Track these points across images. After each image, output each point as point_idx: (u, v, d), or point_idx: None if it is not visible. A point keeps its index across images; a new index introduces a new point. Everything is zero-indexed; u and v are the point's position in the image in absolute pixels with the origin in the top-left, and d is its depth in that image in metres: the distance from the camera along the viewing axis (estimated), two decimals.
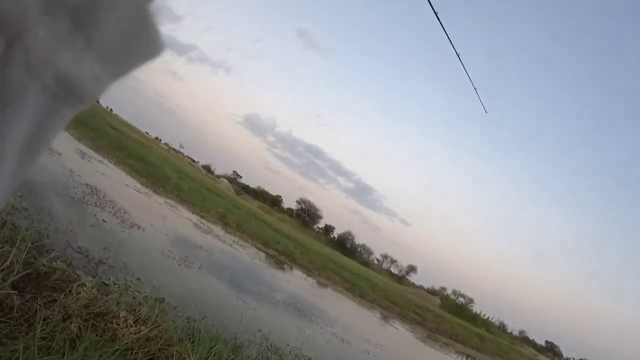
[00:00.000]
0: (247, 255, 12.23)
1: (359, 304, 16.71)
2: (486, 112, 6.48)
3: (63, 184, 7.27)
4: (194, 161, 56.36)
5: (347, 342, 8.51)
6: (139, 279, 4.79)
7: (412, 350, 13.52)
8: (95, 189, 8.25)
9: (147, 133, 47.22)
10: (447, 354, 16.27)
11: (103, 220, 6.59)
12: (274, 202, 60.84)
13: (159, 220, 9.51)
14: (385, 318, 16.91)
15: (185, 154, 59.16)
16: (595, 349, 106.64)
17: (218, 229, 13.63)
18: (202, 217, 14.03)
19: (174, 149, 56.43)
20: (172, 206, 12.89)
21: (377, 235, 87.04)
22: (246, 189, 59.96)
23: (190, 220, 12.39)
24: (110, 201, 8.05)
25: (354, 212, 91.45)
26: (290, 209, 60.56)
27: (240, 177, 67.99)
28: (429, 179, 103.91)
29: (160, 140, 57.14)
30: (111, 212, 7.41)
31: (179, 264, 6.87)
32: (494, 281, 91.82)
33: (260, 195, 60.03)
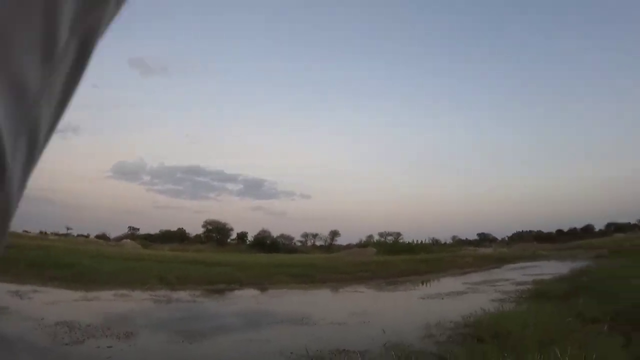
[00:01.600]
0: (211, 301, 12.78)
1: (317, 288, 16.77)
2: None
3: None
4: (86, 236, 51.27)
5: (342, 324, 8.15)
6: None
7: (386, 304, 13.60)
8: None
9: (26, 231, 41.08)
10: (412, 289, 17.01)
11: None
12: (182, 237, 58.18)
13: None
14: (342, 289, 16.92)
15: (76, 234, 53.61)
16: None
17: (169, 293, 13.38)
18: (146, 290, 13.62)
19: (63, 235, 50.72)
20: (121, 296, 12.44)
21: (287, 219, 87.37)
22: (151, 238, 56.26)
23: (141, 299, 12.04)
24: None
25: (255, 209, 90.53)
26: (199, 236, 58.51)
27: (138, 229, 63.64)
28: (307, 144, 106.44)
29: (46, 232, 50.42)
30: None
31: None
32: (409, 205, 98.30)
33: (166, 238, 56.83)
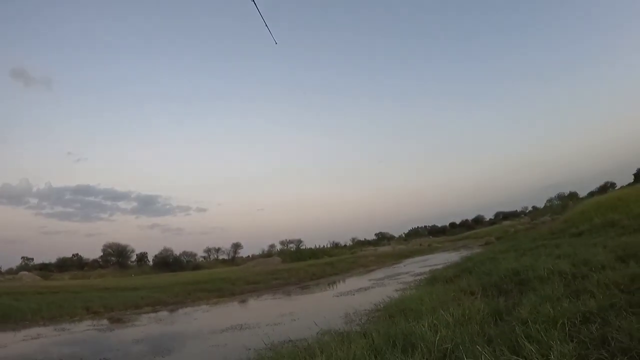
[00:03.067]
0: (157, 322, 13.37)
1: (238, 299, 17.93)
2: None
3: None
4: None
5: (278, 324, 9.51)
6: None
7: (306, 304, 15.16)
8: None
9: None
10: (325, 290, 18.87)
11: None
12: (80, 263, 54.48)
13: None
14: (261, 297, 18.21)
15: None
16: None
17: (97, 323, 13.74)
18: (81, 321, 13.92)
19: None
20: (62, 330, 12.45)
21: (185, 235, 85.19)
22: (47, 268, 51.69)
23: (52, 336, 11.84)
24: None
25: (152, 227, 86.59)
26: (96, 260, 55.13)
27: (32, 259, 57.82)
28: (199, 156, 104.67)
29: None
30: None
31: None
32: (307, 212, 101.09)
33: (63, 266, 52.72)
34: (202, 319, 13.42)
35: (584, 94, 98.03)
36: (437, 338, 4.31)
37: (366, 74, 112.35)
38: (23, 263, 56.80)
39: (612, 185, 65.51)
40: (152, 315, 14.69)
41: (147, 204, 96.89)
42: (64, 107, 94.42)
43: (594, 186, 67.08)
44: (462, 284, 9.19)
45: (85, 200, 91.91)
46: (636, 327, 3.43)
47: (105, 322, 13.72)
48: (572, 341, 3.54)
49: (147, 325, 12.49)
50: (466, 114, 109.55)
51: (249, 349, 6.88)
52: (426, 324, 5.05)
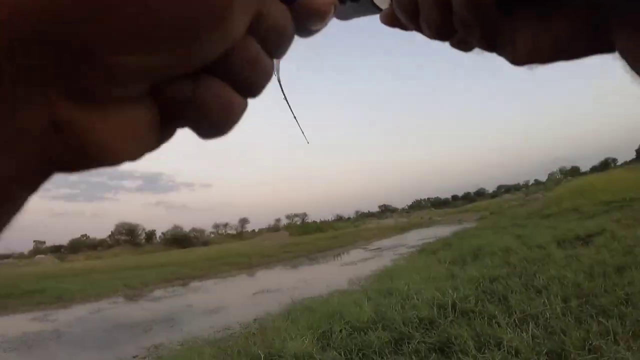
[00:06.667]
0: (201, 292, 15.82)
1: (257, 271, 21.03)
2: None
3: None
4: None
5: (295, 288, 12.51)
6: None
7: (317, 273, 18.17)
8: None
9: None
10: (331, 261, 21.93)
11: None
12: (93, 244, 57.73)
13: None
14: (276, 269, 21.34)
15: None
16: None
17: (142, 296, 15.75)
18: (116, 298, 15.54)
19: None
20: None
21: (190, 211, 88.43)
22: (59, 249, 54.97)
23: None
24: None
25: (157, 204, 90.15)
26: (104, 240, 58.45)
27: (44, 242, 61.18)
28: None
29: None
30: None
31: None
32: (312, 186, 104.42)
33: (75, 247, 55.93)
34: (231, 287, 16.32)
35: (592, 64, 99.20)
36: (407, 289, 7.24)
37: (375, 43, 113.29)
38: (36, 247, 59.96)
39: (614, 161, 68.13)
40: (186, 287, 17.25)
41: (151, 182, 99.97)
42: None
43: (597, 160, 69.63)
44: (440, 256, 12.13)
45: (90, 181, 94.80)
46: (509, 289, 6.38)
47: (148, 294, 16.03)
48: (476, 289, 6.45)
49: (187, 295, 15.03)
50: (473, 85, 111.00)
51: (280, 303, 9.30)
52: (402, 282, 8.02)
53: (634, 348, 3.24)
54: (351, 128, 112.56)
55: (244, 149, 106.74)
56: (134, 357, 7.11)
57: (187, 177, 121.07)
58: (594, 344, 3.38)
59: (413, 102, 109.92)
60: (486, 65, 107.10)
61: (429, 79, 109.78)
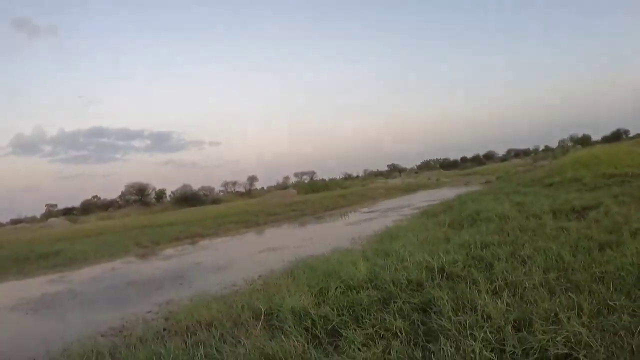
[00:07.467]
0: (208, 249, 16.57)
1: (264, 229, 21.67)
2: None
3: None
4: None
5: (300, 246, 12.98)
6: None
7: (322, 232, 18.71)
8: None
9: None
10: (337, 220, 22.45)
11: None
12: (104, 205, 59.15)
13: None
14: (283, 227, 21.92)
15: None
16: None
17: (153, 255, 16.42)
18: (129, 257, 16.12)
19: None
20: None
21: (200, 170, 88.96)
22: (71, 211, 56.31)
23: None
24: None
25: (166, 163, 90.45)
26: (115, 201, 59.62)
27: (56, 205, 62.69)
28: (209, 90, 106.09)
29: None
30: None
31: None
32: (321, 143, 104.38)
33: (87, 209, 57.37)
34: (239, 245, 16.89)
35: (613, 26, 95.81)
36: (402, 251, 7.59)
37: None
38: (47, 210, 61.16)
39: (626, 132, 67.09)
40: (195, 245, 17.74)
41: (161, 141, 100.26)
42: (71, 52, 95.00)
43: (609, 130, 68.51)
44: (440, 219, 12.45)
45: (99, 142, 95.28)
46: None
47: (159, 253, 16.54)
48: (466, 255, 6.79)
49: (195, 253, 15.53)
50: (486, 45, 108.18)
51: (284, 261, 9.56)
52: (399, 244, 8.39)
53: (592, 324, 3.54)
54: (360, 87, 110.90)
55: (254, 106, 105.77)
56: (147, 312, 7.54)
57: (196, 135, 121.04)
58: (558, 316, 3.70)
59: (423, 59, 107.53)
60: (502, 26, 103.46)
61: (441, 38, 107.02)
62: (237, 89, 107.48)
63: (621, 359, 2.97)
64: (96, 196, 64.52)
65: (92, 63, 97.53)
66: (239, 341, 4.33)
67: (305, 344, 3.96)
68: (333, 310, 4.76)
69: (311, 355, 3.76)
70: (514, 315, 3.83)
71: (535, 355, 3.18)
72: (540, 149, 78.87)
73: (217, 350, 4.19)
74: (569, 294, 4.21)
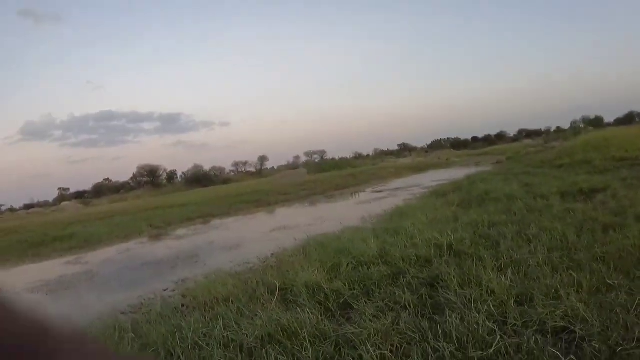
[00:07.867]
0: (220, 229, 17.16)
1: (275, 209, 21.98)
2: None
3: None
4: (14, 210, 49.80)
5: (313, 224, 13.26)
6: None
7: (333, 211, 18.95)
8: None
9: None
10: (347, 199, 22.65)
11: None
12: (116, 188, 59.88)
13: None
14: (294, 206, 22.19)
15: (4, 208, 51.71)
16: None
17: (167, 235, 16.56)
18: (142, 238, 16.29)
19: None
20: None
21: (210, 151, 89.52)
22: (83, 195, 57.14)
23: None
24: None
25: (176, 145, 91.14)
26: (127, 183, 60.30)
27: (68, 189, 63.64)
28: (218, 71, 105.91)
29: None
30: None
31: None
32: (331, 123, 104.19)
33: (99, 192, 58.16)
34: (251, 224, 17.00)
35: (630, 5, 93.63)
36: (412, 229, 7.81)
37: None
38: (60, 194, 62.00)
39: (639, 115, 66.14)
40: (207, 225, 17.93)
41: (170, 123, 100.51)
42: (77, 38, 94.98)
43: (622, 112, 67.66)
44: (449, 199, 12.63)
45: (108, 126, 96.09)
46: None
47: (172, 233, 16.68)
48: (474, 233, 6.98)
49: (209, 233, 15.65)
50: (502, 26, 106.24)
51: (296, 239, 9.74)
52: (409, 222, 8.60)
53: (590, 301, 3.72)
54: (372, 66, 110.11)
55: (263, 87, 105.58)
56: (164, 290, 7.77)
57: (206, 116, 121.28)
58: (559, 292, 3.91)
59: (434, 39, 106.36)
60: (516, 7, 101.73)
61: (456, 16, 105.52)
62: (247, 69, 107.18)
63: (615, 334, 3.13)
64: (108, 179, 65.40)
65: (100, 48, 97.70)
66: (256, 314, 4.55)
67: (319, 316, 4.20)
68: (345, 285, 5.00)
69: (325, 325, 4.00)
70: (517, 291, 4.05)
71: (535, 328, 3.39)
72: (552, 130, 78.06)
73: (235, 323, 4.43)
74: (571, 272, 4.39)
